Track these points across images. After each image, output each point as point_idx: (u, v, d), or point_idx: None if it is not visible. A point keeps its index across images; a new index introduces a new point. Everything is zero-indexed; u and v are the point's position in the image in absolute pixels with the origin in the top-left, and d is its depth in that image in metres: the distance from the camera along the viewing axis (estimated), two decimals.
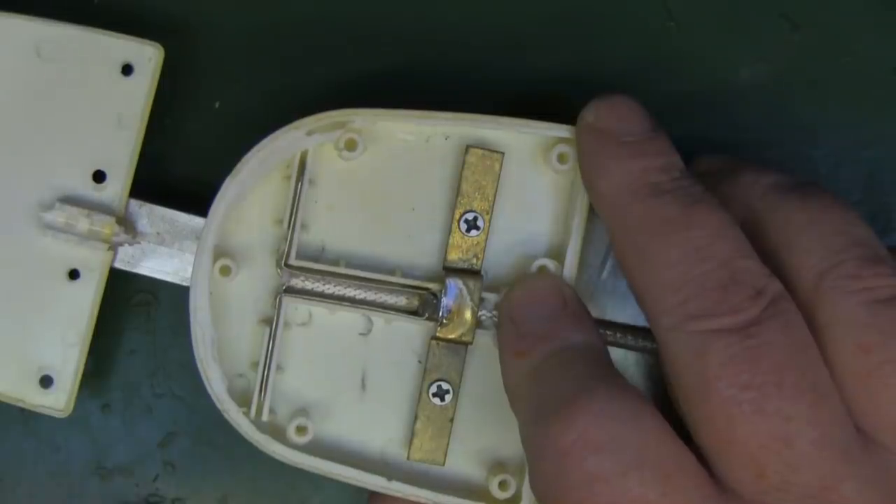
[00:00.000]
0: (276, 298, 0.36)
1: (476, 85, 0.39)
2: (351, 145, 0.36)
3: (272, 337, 0.36)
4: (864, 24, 0.40)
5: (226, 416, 0.36)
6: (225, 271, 0.36)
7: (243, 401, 0.36)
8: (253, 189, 0.37)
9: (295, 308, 0.37)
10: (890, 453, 0.31)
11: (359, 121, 0.36)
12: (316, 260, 0.37)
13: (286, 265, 0.36)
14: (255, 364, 0.37)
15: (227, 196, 0.35)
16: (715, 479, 0.31)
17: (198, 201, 0.37)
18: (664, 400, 0.35)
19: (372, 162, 0.37)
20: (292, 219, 0.36)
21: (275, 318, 0.36)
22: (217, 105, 0.40)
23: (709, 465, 0.31)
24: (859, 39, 0.40)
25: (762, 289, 0.31)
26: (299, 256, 0.36)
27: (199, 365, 0.36)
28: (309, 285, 0.36)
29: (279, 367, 0.37)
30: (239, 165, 0.35)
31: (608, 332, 0.36)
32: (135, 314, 0.40)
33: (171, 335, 0.40)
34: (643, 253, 0.32)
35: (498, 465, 0.37)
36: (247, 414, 0.36)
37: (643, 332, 0.36)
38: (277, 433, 0.36)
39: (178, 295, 0.37)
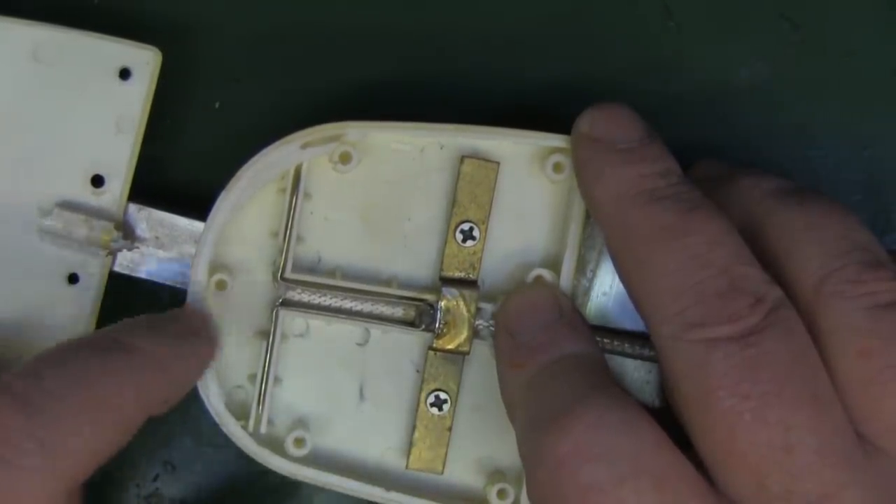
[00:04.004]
0: (272, 311, 0.36)
1: (474, 88, 0.39)
2: (345, 158, 0.36)
3: (269, 350, 0.36)
4: (864, 24, 0.40)
5: (224, 429, 0.36)
6: (221, 285, 0.36)
7: (242, 413, 0.37)
8: (248, 203, 0.36)
9: (292, 319, 0.37)
10: (891, 459, 0.31)
11: (352, 133, 0.36)
12: (312, 271, 0.36)
13: (282, 278, 0.36)
14: (253, 376, 0.37)
15: (221, 210, 0.35)
16: (715, 488, 0.31)
17: (198, 204, 0.37)
18: (663, 408, 0.36)
19: (367, 173, 0.36)
20: (288, 232, 0.36)
21: (272, 331, 0.36)
22: (217, 107, 0.40)
23: (709, 474, 0.31)
24: (859, 39, 0.40)
25: (762, 296, 0.31)
26: (295, 269, 0.36)
27: None
28: (305, 298, 0.36)
29: (277, 379, 0.37)
30: (233, 180, 0.35)
31: (606, 340, 0.36)
32: (136, 312, 0.40)
33: None
34: (641, 261, 0.32)
35: (497, 474, 0.37)
36: (245, 427, 0.36)
37: (642, 340, 0.36)
38: (276, 445, 0.36)
39: (179, 293, 0.37)
